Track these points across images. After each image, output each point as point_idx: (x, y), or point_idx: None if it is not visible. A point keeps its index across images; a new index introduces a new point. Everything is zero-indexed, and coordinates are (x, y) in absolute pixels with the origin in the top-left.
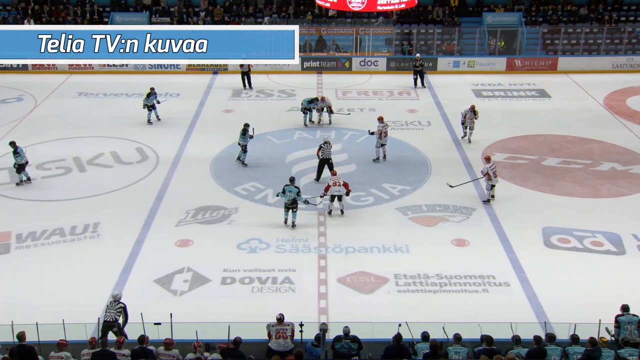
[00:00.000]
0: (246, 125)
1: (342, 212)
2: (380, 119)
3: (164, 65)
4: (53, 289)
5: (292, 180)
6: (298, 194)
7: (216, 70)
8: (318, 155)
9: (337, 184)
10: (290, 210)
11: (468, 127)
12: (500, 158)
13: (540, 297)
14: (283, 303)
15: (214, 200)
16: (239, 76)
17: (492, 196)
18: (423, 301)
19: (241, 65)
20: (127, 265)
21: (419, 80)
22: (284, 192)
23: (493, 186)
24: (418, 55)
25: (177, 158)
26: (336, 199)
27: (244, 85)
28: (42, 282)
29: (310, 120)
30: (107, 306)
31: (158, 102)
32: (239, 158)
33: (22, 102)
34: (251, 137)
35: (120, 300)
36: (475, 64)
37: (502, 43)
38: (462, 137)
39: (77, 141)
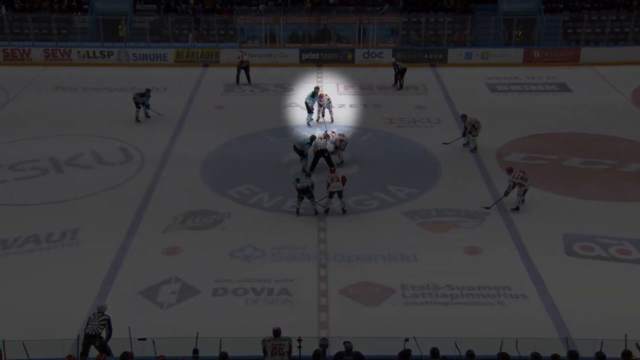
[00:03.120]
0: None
1: (343, 210)
2: (464, 116)
3: (150, 56)
4: (26, 302)
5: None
6: (312, 186)
7: (207, 62)
8: (312, 152)
9: (336, 179)
10: (306, 198)
11: (471, 135)
12: (517, 158)
13: (562, 310)
14: (280, 316)
15: (205, 205)
16: (231, 69)
17: (523, 201)
18: (432, 314)
19: (241, 59)
20: (109, 275)
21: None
22: (297, 180)
23: (525, 190)
24: (393, 59)
25: (165, 158)
26: (335, 195)
27: (237, 81)
28: (14, 295)
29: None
30: (90, 318)
31: (148, 108)
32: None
33: None
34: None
35: (105, 313)
36: (489, 56)
37: (519, 32)
38: (465, 145)
39: (54, 140)
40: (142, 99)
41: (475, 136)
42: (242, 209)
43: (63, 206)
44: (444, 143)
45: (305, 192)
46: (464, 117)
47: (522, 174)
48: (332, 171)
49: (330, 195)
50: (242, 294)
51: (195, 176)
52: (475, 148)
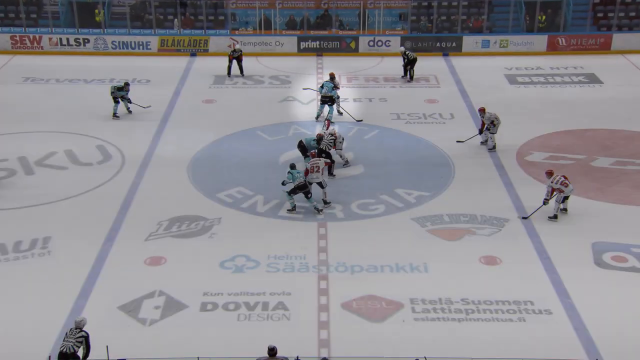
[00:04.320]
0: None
1: (325, 202)
2: (482, 110)
3: (131, 44)
4: None
5: (293, 166)
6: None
7: (194, 51)
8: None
9: (316, 168)
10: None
11: (489, 132)
12: (539, 158)
13: (591, 328)
14: (276, 333)
15: (192, 209)
16: (222, 59)
17: (564, 209)
18: (445, 332)
19: (232, 52)
20: (85, 288)
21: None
22: (292, 175)
23: (566, 198)
24: (401, 48)
25: (147, 158)
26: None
27: (229, 72)
28: None
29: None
30: (67, 334)
31: (129, 103)
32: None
33: None
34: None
35: (83, 329)
36: (508, 44)
37: (543, 17)
38: (483, 143)
39: (24, 137)
40: (120, 94)
41: (493, 134)
42: (233, 214)
43: (33, 211)
44: (457, 141)
45: (302, 189)
46: (482, 110)
47: (563, 178)
48: (313, 155)
49: (304, 187)
50: (233, 309)
51: (181, 178)
52: (494, 147)
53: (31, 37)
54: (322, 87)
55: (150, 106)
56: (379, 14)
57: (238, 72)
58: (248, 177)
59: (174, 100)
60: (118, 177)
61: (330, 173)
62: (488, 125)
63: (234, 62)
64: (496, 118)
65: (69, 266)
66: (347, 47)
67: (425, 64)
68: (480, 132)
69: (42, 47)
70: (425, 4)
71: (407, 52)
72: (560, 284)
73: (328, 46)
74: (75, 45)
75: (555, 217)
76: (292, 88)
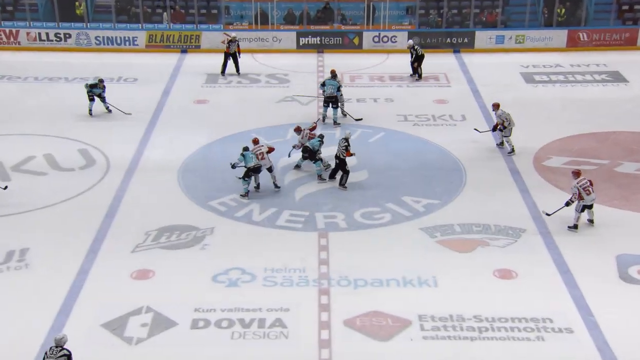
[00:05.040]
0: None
1: (275, 185)
2: (496, 106)
3: (116, 40)
4: None
5: (246, 148)
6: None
7: (185, 48)
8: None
9: (261, 156)
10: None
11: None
12: (559, 163)
13: (615, 347)
14: (273, 353)
15: (183, 219)
16: (215, 56)
17: (591, 221)
18: (457, 351)
19: (228, 44)
20: (66, 304)
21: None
22: (244, 156)
23: (587, 207)
24: (410, 42)
25: (134, 163)
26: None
27: (224, 70)
28: None
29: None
30: (46, 354)
31: (104, 102)
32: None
33: None
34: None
35: (65, 347)
36: (525, 39)
37: (562, 10)
38: (500, 145)
39: None
40: (96, 91)
41: (506, 136)
42: (227, 223)
43: (9, 221)
44: (475, 129)
45: (256, 171)
46: (495, 107)
47: (588, 183)
48: (255, 142)
49: (258, 169)
50: (227, 327)
51: (171, 184)
52: (513, 150)
53: (7, 32)
54: (323, 85)
55: (130, 114)
56: (384, 8)
57: (233, 70)
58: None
59: (163, 101)
60: (102, 183)
61: (343, 185)
62: (500, 125)
63: (231, 59)
64: (507, 119)
65: (48, 280)
66: (350, 44)
67: (435, 61)
68: (494, 129)
69: (19, 43)
70: None
71: (415, 47)
72: (582, 300)
73: (329, 42)
74: (56, 40)
75: (575, 227)
76: (291, 87)
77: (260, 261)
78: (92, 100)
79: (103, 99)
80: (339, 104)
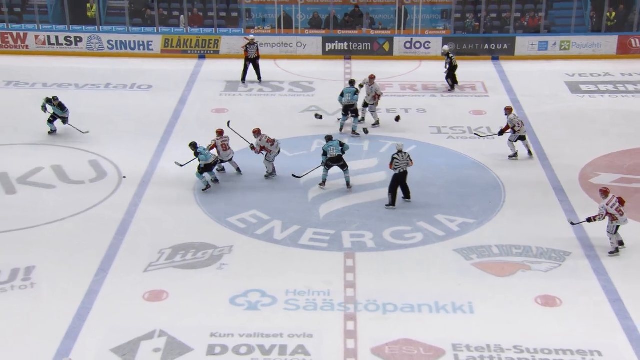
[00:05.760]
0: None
1: (239, 171)
2: (509, 110)
3: (130, 44)
4: None
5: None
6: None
7: (203, 53)
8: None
9: (225, 146)
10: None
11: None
12: (608, 180)
13: None
14: None
15: (199, 236)
16: (235, 62)
17: (620, 242)
18: None
19: (246, 47)
20: (74, 327)
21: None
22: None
23: (618, 228)
24: (446, 47)
25: (148, 176)
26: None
27: (243, 78)
28: None
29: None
30: None
31: (64, 123)
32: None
33: None
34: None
35: None
36: (570, 46)
37: (613, 14)
38: (512, 157)
39: (4, 150)
40: (51, 108)
41: (513, 141)
42: (247, 241)
43: (14, 237)
44: (475, 133)
45: (337, 161)
46: (508, 110)
47: (618, 203)
48: (220, 132)
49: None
50: (245, 353)
51: (187, 199)
52: (516, 154)
53: (15, 35)
54: (342, 95)
55: (88, 132)
56: (417, 11)
57: (254, 77)
58: (264, 200)
59: (179, 110)
60: (113, 197)
61: (407, 197)
62: (510, 130)
63: (251, 65)
64: (518, 124)
65: (54, 301)
66: (379, 50)
67: (472, 70)
68: (500, 133)
69: (27, 47)
70: None
71: (451, 55)
72: (634, 332)
73: (358, 48)
74: (66, 44)
75: (616, 251)
76: (316, 96)
77: (282, 283)
78: (50, 119)
79: (63, 120)
80: (367, 110)
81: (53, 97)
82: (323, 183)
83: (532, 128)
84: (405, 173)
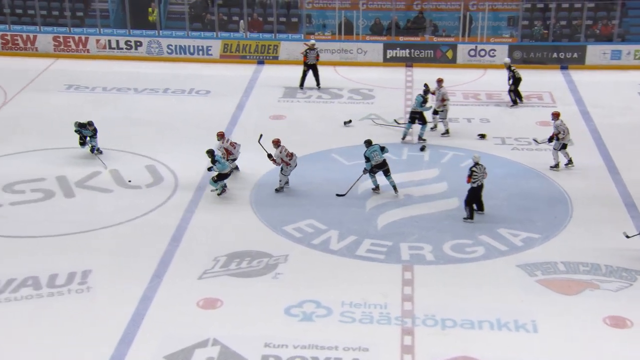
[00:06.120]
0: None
1: (236, 168)
2: (556, 115)
3: (189, 49)
4: None
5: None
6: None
7: (262, 59)
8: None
9: (234, 146)
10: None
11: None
12: None
13: None
14: None
15: (255, 244)
16: (294, 68)
17: None
18: None
19: (306, 52)
20: (128, 333)
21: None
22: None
23: None
24: (507, 60)
25: (204, 182)
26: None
27: (302, 84)
28: (5, 354)
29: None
30: None
31: (95, 150)
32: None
33: None
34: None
35: None
36: None
37: None
38: (553, 168)
39: (63, 153)
40: (86, 133)
41: (557, 150)
42: (302, 251)
43: (71, 240)
44: (534, 140)
45: (382, 167)
46: (555, 116)
47: None
48: (222, 135)
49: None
50: None
51: (242, 206)
52: (557, 165)
53: (76, 39)
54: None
55: (106, 168)
56: (482, 18)
57: (313, 83)
58: (321, 208)
59: (237, 115)
60: (169, 203)
61: (480, 210)
62: (555, 137)
63: (310, 71)
64: (564, 131)
65: (110, 306)
66: (442, 57)
67: (539, 79)
68: (550, 139)
69: (88, 50)
70: (541, 6)
71: (512, 68)
72: None
73: (420, 55)
74: (126, 48)
75: None
76: (376, 104)
77: (337, 294)
78: (83, 144)
79: (93, 147)
80: (437, 117)
81: (88, 122)
82: (377, 188)
83: (602, 140)
84: (482, 186)
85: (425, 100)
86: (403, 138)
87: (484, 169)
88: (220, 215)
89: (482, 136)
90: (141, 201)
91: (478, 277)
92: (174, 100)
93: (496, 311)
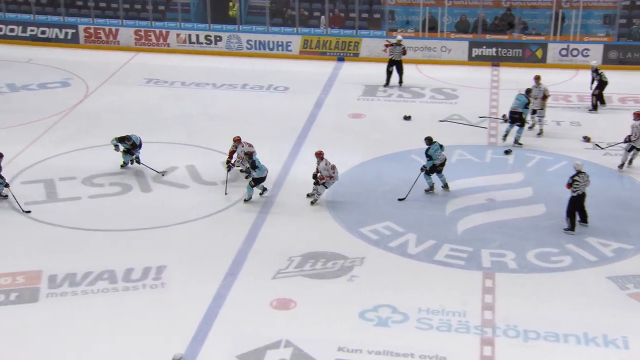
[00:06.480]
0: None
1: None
2: (638, 115)
3: (268, 44)
4: (94, 356)
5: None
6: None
7: (342, 55)
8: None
9: (244, 144)
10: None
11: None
12: None
13: None
14: None
15: (330, 245)
16: (375, 65)
17: None
18: None
19: (390, 48)
20: (201, 330)
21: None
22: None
23: None
24: (594, 62)
25: (280, 179)
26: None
27: (388, 81)
28: (80, 346)
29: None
30: None
31: (136, 162)
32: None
33: (69, 89)
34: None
35: None
36: None
37: None
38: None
39: (143, 148)
40: (123, 146)
41: (627, 150)
42: (379, 254)
43: (148, 235)
44: (596, 144)
45: (443, 165)
46: (637, 116)
47: None
48: (238, 140)
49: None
50: None
51: (319, 206)
52: (622, 166)
53: (157, 33)
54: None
55: (165, 172)
56: (576, 16)
57: (395, 81)
58: (399, 210)
59: (315, 113)
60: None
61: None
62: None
63: (395, 68)
64: (637, 134)
65: (183, 303)
66: (531, 57)
67: (636, 80)
68: (627, 140)
69: (168, 44)
70: None
71: (599, 71)
72: None
73: (507, 54)
74: (206, 43)
75: None
76: (459, 104)
77: (414, 300)
78: (125, 156)
79: (133, 160)
80: (535, 117)
81: (126, 137)
82: (432, 188)
83: None
84: (584, 195)
85: (529, 102)
86: (503, 138)
87: (587, 177)
88: (296, 214)
89: (587, 139)
90: (216, 198)
91: (564, 287)
92: (253, 96)
93: (584, 325)
